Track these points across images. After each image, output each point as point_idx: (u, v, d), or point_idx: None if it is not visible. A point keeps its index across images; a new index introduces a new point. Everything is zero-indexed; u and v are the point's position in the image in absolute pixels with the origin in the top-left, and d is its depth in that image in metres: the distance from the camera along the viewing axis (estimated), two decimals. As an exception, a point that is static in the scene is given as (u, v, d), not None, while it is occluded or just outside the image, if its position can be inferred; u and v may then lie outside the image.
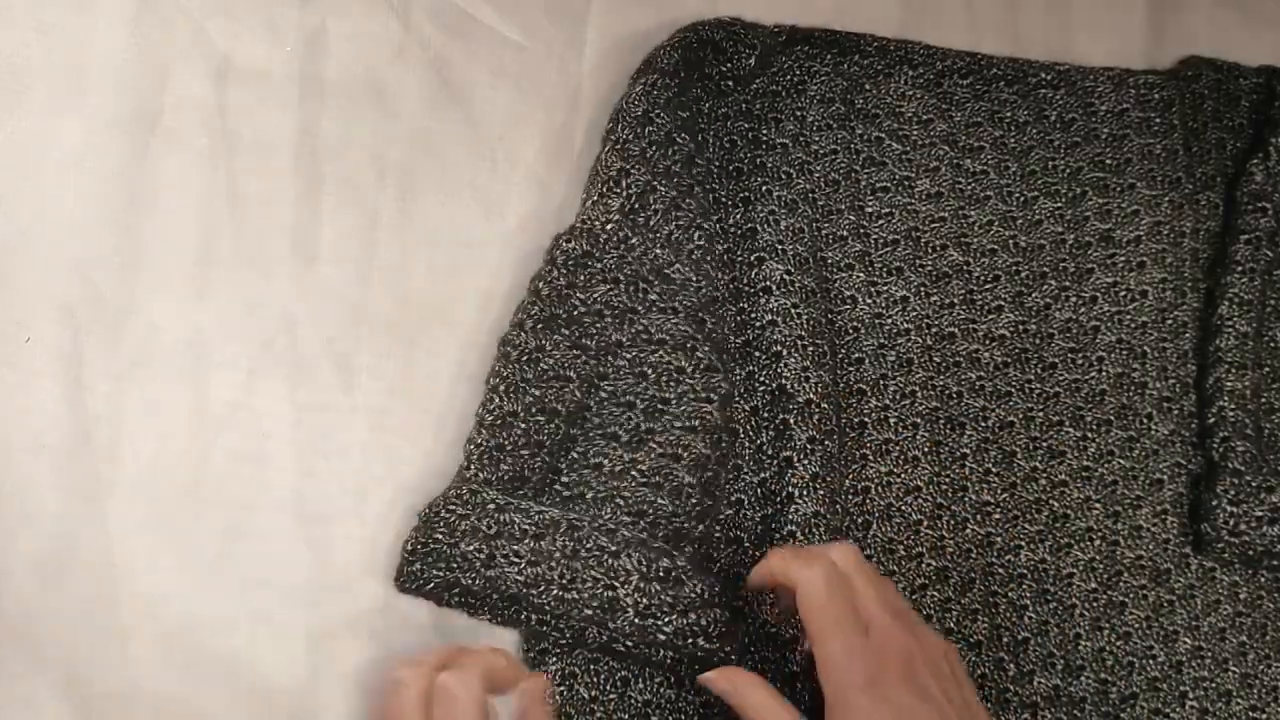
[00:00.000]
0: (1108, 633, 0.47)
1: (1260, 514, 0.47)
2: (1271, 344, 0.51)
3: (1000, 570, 0.47)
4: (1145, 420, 0.50)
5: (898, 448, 0.48)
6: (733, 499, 0.45)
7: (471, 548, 0.40)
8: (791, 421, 0.45)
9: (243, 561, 0.43)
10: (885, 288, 0.50)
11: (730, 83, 0.51)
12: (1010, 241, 0.52)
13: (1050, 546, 0.48)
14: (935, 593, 0.46)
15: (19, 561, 0.41)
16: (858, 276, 0.50)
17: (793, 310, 0.47)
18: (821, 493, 0.44)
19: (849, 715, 0.35)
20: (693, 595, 0.40)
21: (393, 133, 0.48)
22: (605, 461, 0.43)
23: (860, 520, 0.46)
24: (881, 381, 0.49)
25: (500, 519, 0.41)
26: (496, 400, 0.43)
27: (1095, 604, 0.47)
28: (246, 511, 0.43)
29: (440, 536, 0.41)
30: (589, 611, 0.39)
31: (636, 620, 0.40)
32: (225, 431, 0.44)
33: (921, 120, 0.53)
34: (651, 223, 0.46)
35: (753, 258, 0.48)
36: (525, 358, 0.44)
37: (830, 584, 0.37)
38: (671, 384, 0.44)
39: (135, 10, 0.47)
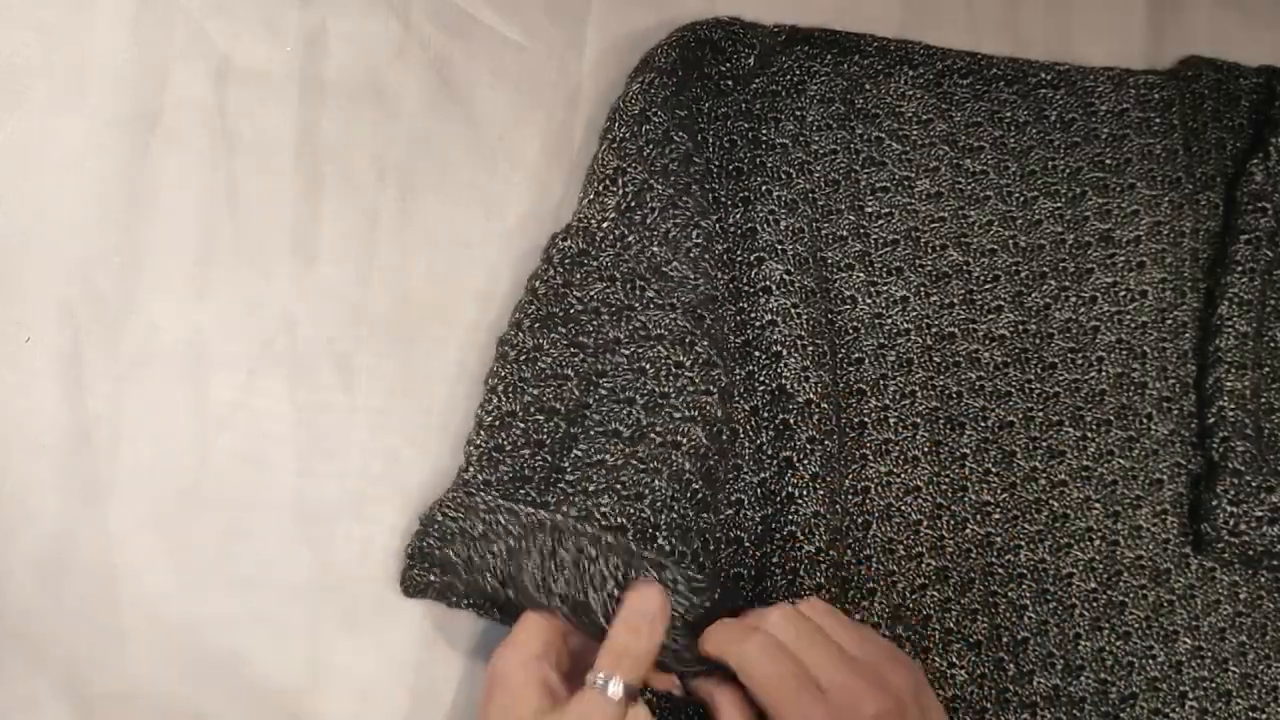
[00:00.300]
0: (1107, 632, 0.47)
1: (1260, 514, 0.47)
2: (1271, 344, 0.51)
3: (1000, 570, 0.47)
4: (1145, 420, 0.50)
5: (898, 448, 0.48)
6: (733, 499, 0.45)
7: (457, 550, 0.40)
8: (791, 421, 0.45)
9: (243, 561, 0.43)
10: (885, 288, 0.50)
11: (730, 82, 0.51)
12: (1010, 241, 0.52)
13: (1050, 546, 0.48)
14: (935, 593, 0.46)
15: (19, 561, 0.41)
16: (858, 276, 0.50)
17: (792, 310, 0.47)
18: (821, 493, 0.44)
19: None
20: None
21: (393, 133, 0.48)
22: (608, 458, 0.43)
23: (860, 520, 0.46)
24: (881, 381, 0.48)
25: (489, 520, 0.40)
26: (495, 400, 0.43)
27: (1095, 604, 0.47)
28: (246, 511, 0.43)
29: (432, 541, 0.41)
30: (563, 613, 0.38)
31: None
32: (225, 431, 0.44)
33: (921, 120, 0.53)
34: (648, 221, 0.46)
35: (752, 257, 0.48)
36: (523, 357, 0.44)
37: (768, 657, 0.35)
38: (670, 379, 0.44)
39: (135, 10, 0.47)
